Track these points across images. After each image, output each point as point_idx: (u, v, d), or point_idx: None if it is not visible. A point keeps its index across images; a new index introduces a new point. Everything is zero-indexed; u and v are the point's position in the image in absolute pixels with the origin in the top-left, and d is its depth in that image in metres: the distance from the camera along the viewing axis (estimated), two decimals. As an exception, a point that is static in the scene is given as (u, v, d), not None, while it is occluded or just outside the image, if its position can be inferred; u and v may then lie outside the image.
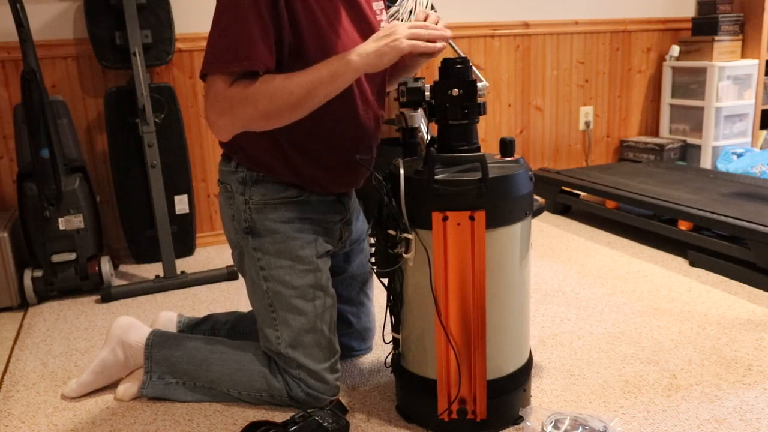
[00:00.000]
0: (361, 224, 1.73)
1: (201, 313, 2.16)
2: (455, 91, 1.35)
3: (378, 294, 2.27)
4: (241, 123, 1.33)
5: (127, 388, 1.62)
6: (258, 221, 1.48)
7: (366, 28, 1.49)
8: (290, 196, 1.48)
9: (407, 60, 1.58)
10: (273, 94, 1.29)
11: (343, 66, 1.29)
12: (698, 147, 3.53)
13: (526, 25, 3.35)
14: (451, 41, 1.44)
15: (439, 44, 1.34)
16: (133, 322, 1.67)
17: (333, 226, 1.57)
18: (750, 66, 3.48)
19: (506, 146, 1.43)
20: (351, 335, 1.77)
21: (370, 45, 1.30)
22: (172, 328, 1.77)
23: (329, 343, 1.53)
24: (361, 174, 1.58)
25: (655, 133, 3.79)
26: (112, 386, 1.66)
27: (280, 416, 1.51)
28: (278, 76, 1.31)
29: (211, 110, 1.32)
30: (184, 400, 1.60)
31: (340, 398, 1.56)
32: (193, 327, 1.77)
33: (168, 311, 1.82)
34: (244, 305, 2.20)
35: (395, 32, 1.30)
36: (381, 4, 1.56)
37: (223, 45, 1.30)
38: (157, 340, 1.60)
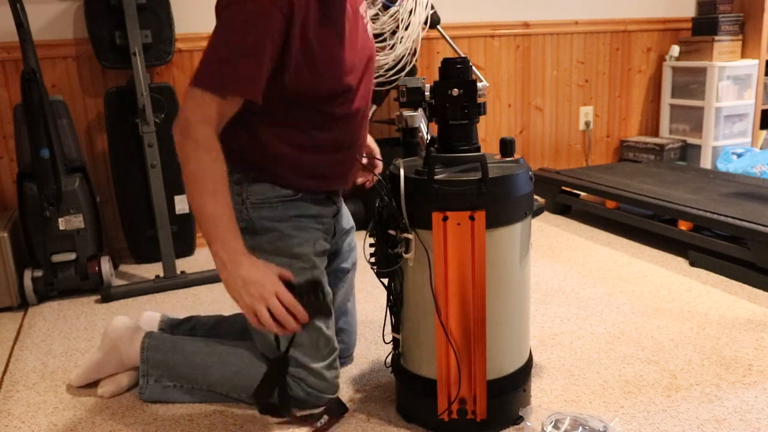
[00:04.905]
0: (346, 218, 1.75)
1: (201, 314, 2.16)
2: (455, 91, 1.35)
3: (378, 294, 2.27)
4: (178, 150, 1.37)
5: (108, 383, 1.65)
6: (255, 220, 1.48)
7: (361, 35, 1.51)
8: (286, 195, 1.49)
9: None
10: (191, 180, 1.32)
11: (211, 248, 1.35)
12: (698, 147, 3.53)
13: (526, 25, 3.35)
14: (450, 41, 1.44)
15: (278, 331, 1.33)
16: (128, 325, 1.67)
17: (328, 222, 1.58)
18: (750, 66, 3.48)
19: (506, 146, 1.43)
20: None
21: (236, 282, 1.32)
22: (154, 327, 1.77)
23: (328, 341, 1.53)
24: (351, 176, 1.60)
25: (655, 133, 3.79)
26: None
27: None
28: (220, 180, 1.32)
29: (193, 116, 1.32)
30: (181, 401, 1.60)
31: (339, 396, 1.56)
32: (174, 327, 1.77)
33: (151, 311, 1.82)
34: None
35: (253, 299, 1.30)
36: (364, 6, 1.56)
37: (229, 68, 1.29)
38: (153, 344, 1.60)
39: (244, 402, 1.57)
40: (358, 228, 2.42)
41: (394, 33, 2.61)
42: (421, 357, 1.43)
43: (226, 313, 1.83)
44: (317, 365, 1.50)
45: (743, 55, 3.55)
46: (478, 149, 1.40)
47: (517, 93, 3.43)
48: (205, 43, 1.42)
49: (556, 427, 1.39)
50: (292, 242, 1.49)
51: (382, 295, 2.25)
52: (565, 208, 3.21)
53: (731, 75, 3.44)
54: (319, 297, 1.36)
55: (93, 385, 1.68)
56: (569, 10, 3.42)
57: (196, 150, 1.32)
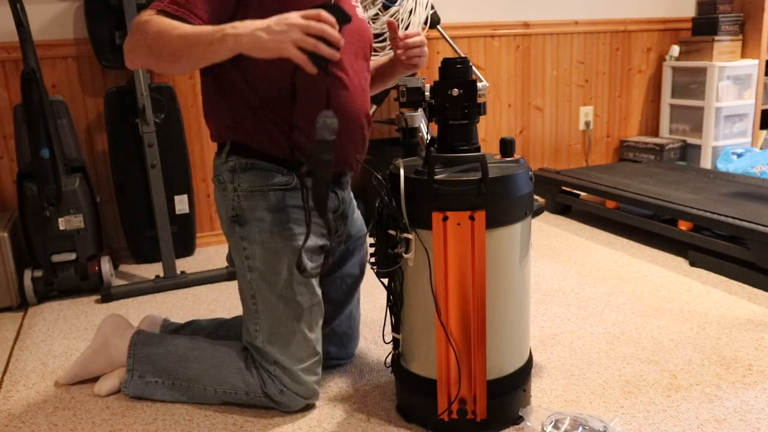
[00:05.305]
0: (359, 223, 1.71)
1: (201, 314, 2.16)
2: (455, 91, 1.35)
3: (378, 294, 2.27)
4: (137, 51, 1.34)
5: (104, 381, 1.65)
6: (246, 209, 1.46)
7: None
8: (279, 184, 1.45)
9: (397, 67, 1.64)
10: (159, 33, 1.29)
11: (219, 41, 1.25)
12: (698, 147, 3.53)
13: (526, 25, 3.35)
14: (450, 41, 1.44)
15: (328, 50, 1.22)
16: (121, 322, 1.68)
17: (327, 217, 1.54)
18: (750, 66, 3.48)
19: (506, 146, 1.43)
20: (327, 338, 1.69)
21: (260, 33, 1.22)
22: (156, 330, 1.77)
23: (309, 344, 1.50)
24: (346, 157, 1.52)
25: (655, 133, 3.79)
26: (112, 386, 1.67)
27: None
28: (175, 22, 1.31)
29: (141, 17, 1.35)
30: (162, 399, 1.60)
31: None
32: (173, 332, 1.77)
33: (153, 315, 1.82)
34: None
35: (286, 32, 1.21)
36: None
37: None
38: (142, 339, 1.61)
39: (220, 399, 1.56)
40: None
41: (394, 33, 2.61)
42: (421, 357, 1.43)
43: (226, 316, 1.83)
44: (295, 367, 1.49)
45: (743, 55, 3.55)
46: (478, 149, 1.40)
47: (517, 93, 3.43)
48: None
49: (556, 427, 1.39)
50: (283, 234, 1.46)
51: (382, 295, 2.25)
52: (565, 208, 3.21)
53: (731, 75, 3.44)
54: (331, 8, 1.25)
55: (93, 385, 1.68)
56: (569, 10, 3.42)
57: (149, 23, 1.31)
